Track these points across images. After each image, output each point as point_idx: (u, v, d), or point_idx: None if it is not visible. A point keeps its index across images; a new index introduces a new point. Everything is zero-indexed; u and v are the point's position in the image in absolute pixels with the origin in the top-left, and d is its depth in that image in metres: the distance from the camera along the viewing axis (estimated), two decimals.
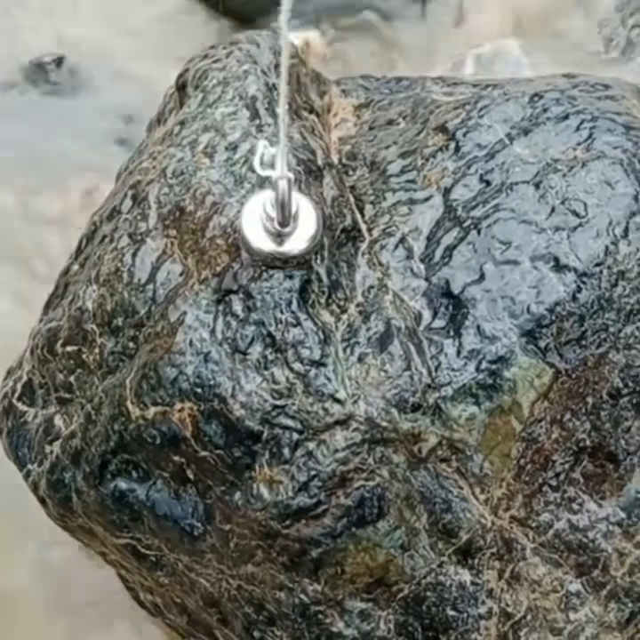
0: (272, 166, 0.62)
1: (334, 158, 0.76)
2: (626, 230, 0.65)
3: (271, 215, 0.64)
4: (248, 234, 0.65)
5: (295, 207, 0.64)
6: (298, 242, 0.65)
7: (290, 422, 0.63)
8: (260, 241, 0.65)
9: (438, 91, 0.82)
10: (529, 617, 0.64)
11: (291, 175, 0.62)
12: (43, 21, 1.08)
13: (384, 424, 0.63)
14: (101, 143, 1.05)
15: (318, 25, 1.10)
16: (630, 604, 0.65)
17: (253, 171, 0.64)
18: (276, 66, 0.77)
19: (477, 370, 0.64)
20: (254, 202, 0.66)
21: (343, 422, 0.63)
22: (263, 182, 0.66)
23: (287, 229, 0.65)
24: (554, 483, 0.64)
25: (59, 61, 1.04)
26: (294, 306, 0.65)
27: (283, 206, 0.63)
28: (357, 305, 0.67)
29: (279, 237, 0.65)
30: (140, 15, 1.08)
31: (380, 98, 0.83)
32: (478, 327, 0.64)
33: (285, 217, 0.64)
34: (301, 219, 0.65)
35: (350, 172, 0.76)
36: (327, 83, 0.85)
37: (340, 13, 1.10)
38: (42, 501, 0.74)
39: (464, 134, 0.73)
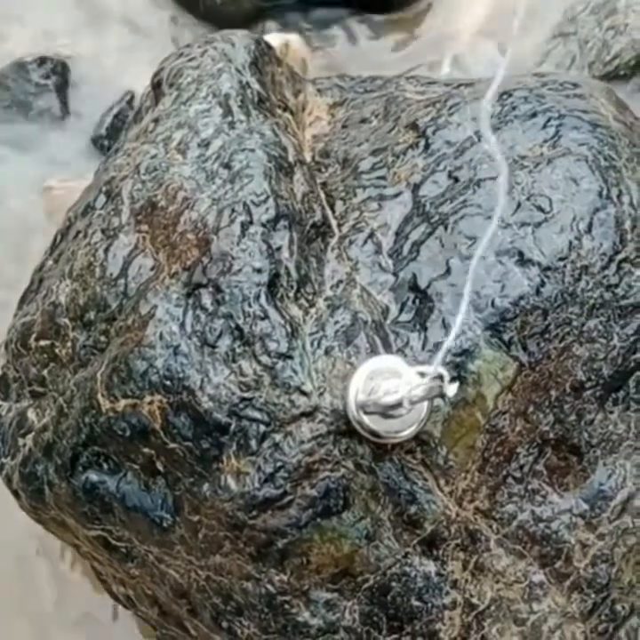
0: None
1: (308, 156, 0.77)
2: (590, 226, 0.66)
3: (381, 395, 0.60)
4: (352, 405, 0.62)
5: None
6: (404, 424, 0.62)
7: (257, 414, 0.64)
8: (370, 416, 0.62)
9: (412, 89, 0.83)
10: (493, 607, 0.65)
11: (445, 373, 0.58)
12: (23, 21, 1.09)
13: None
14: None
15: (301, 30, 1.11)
16: (593, 595, 0.65)
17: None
18: (251, 64, 0.78)
19: (442, 363, 0.64)
20: (366, 368, 0.63)
21: (309, 414, 0.63)
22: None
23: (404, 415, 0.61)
24: (518, 474, 0.65)
25: (40, 62, 1.05)
26: (262, 299, 0.66)
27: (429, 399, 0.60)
28: (326, 299, 0.68)
29: (387, 416, 0.62)
30: (119, 19, 1.09)
31: (355, 96, 0.84)
32: (443, 320, 0.65)
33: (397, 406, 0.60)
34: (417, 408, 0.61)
35: (323, 170, 0.77)
36: (302, 81, 0.86)
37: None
38: (15, 494, 0.75)
39: (434, 132, 0.74)
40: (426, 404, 0.61)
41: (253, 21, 1.12)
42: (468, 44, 1.05)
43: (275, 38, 1.01)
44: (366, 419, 0.61)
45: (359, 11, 1.12)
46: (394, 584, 0.64)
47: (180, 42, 1.06)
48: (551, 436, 0.65)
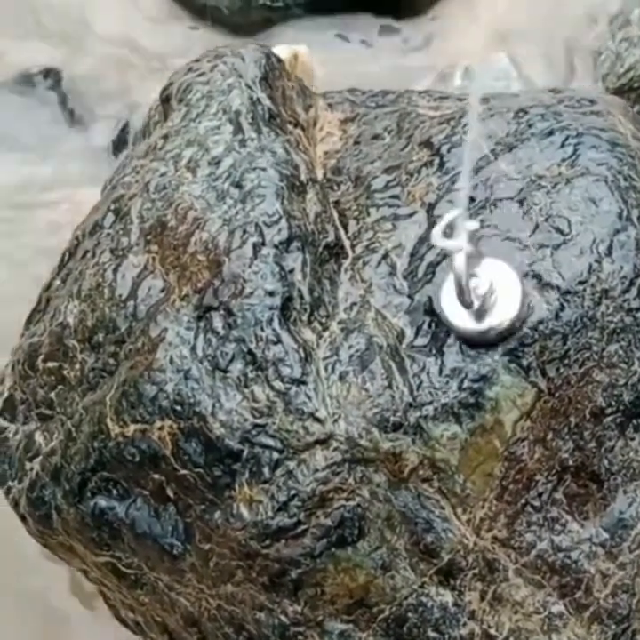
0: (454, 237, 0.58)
1: (319, 173, 0.76)
2: (610, 248, 0.65)
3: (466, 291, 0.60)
4: (448, 311, 0.62)
5: (487, 279, 0.60)
6: (497, 318, 0.62)
7: (270, 441, 0.63)
8: (459, 317, 0.62)
9: (424, 105, 0.81)
10: (511, 639, 0.64)
11: (468, 247, 0.58)
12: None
13: (365, 443, 0.62)
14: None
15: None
16: (613, 626, 0.64)
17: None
18: (262, 79, 0.77)
19: (459, 389, 0.63)
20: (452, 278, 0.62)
21: (323, 441, 0.62)
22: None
23: (484, 305, 0.61)
24: (536, 503, 0.64)
25: (46, 73, 1.04)
26: (275, 323, 0.64)
27: (459, 282, 0.59)
28: (339, 322, 0.66)
29: (478, 313, 0.61)
30: (126, 30, 1.08)
31: (366, 112, 0.82)
32: (460, 345, 0.64)
33: (462, 293, 0.60)
34: (502, 290, 0.62)
35: (335, 187, 0.75)
36: (313, 96, 0.85)
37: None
38: (22, 519, 0.74)
39: (448, 150, 0.72)
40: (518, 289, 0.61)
41: (262, 30, 1.11)
42: (479, 55, 1.03)
43: (283, 50, 1.00)
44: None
45: (368, 19, 1.11)
46: (410, 615, 0.63)
47: (188, 52, 1.05)
48: (570, 463, 0.64)
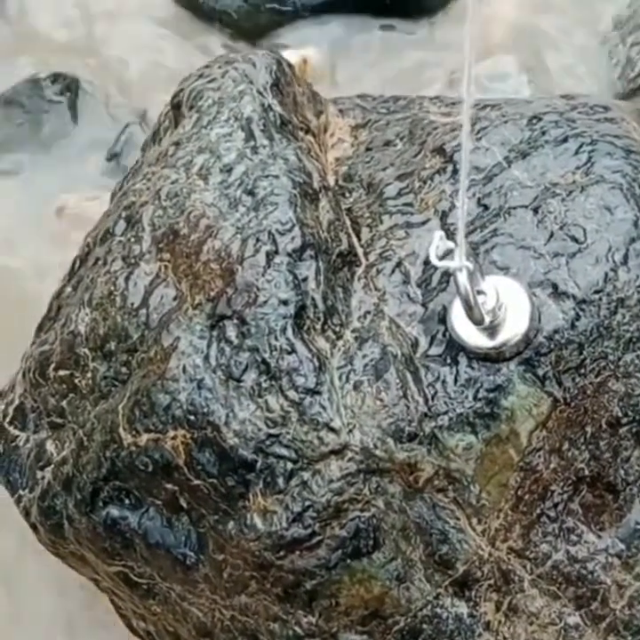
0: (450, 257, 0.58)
1: (331, 180, 0.76)
2: (625, 257, 0.64)
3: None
4: (459, 330, 0.62)
5: (493, 293, 0.60)
6: (509, 332, 0.61)
7: (284, 451, 0.62)
8: (471, 335, 0.62)
9: (436, 111, 0.81)
10: None
11: (470, 265, 0.58)
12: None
13: (380, 454, 0.62)
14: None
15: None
16: (629, 638, 0.64)
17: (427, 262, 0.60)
18: (273, 85, 0.77)
19: (475, 398, 0.63)
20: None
21: (338, 452, 0.62)
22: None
23: (495, 321, 0.61)
24: (552, 513, 0.63)
25: (54, 78, 1.04)
26: (289, 332, 0.64)
27: (466, 300, 0.59)
28: (353, 331, 0.66)
29: (490, 330, 0.61)
30: (134, 35, 1.08)
31: (378, 118, 0.82)
32: None
33: (471, 310, 0.60)
34: (511, 304, 0.62)
35: (347, 194, 0.75)
36: (324, 102, 0.84)
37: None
38: (33, 527, 0.73)
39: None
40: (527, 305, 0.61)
41: (270, 33, 1.10)
42: (488, 61, 1.03)
43: (292, 55, 0.99)
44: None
45: (376, 21, 1.11)
46: (425, 626, 0.63)
47: (196, 57, 1.04)
48: (586, 473, 0.63)
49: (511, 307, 0.62)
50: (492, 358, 0.62)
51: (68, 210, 1.00)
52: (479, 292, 0.60)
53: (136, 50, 1.08)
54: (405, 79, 1.05)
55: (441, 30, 1.07)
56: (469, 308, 0.60)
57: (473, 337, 0.62)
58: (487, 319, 0.61)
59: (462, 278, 0.59)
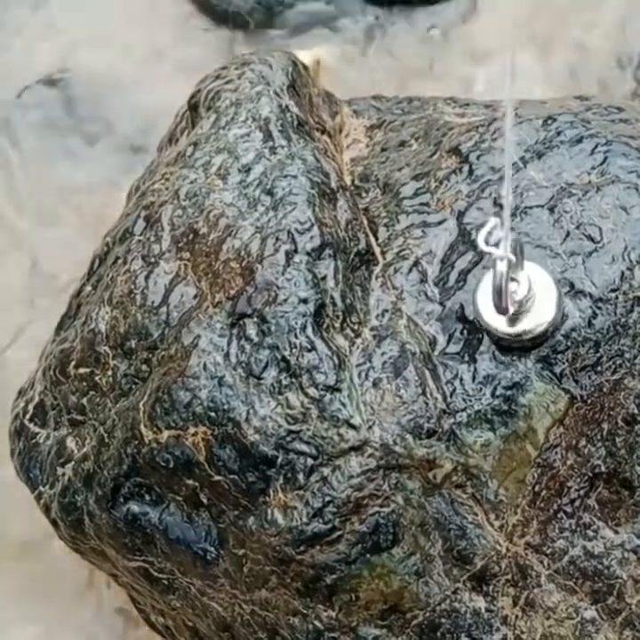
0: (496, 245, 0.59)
1: (347, 180, 0.76)
2: None
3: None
4: (483, 311, 0.63)
5: (526, 285, 0.61)
6: (531, 323, 0.63)
7: (304, 447, 0.63)
8: (494, 318, 0.63)
9: (450, 111, 0.82)
10: None
11: (511, 257, 0.59)
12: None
13: (399, 450, 0.63)
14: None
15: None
16: None
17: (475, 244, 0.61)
18: (289, 86, 0.78)
19: (493, 395, 0.63)
20: (489, 278, 0.63)
21: (358, 448, 0.63)
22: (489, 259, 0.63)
23: (521, 309, 0.62)
24: (569, 509, 0.64)
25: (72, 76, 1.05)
26: (309, 330, 0.65)
27: (500, 290, 0.60)
28: (371, 329, 0.67)
29: (513, 317, 0.62)
30: (147, 31, 1.09)
31: (392, 118, 0.83)
32: (493, 352, 0.64)
33: (502, 300, 0.61)
34: (539, 295, 0.63)
35: (363, 194, 0.76)
36: (339, 103, 0.85)
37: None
38: (54, 523, 0.74)
39: (477, 157, 0.72)
40: (554, 298, 0.62)
41: (285, 34, 1.11)
42: (501, 59, 1.03)
43: (306, 55, 1.00)
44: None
45: (389, 20, 1.11)
46: (443, 620, 0.63)
47: (210, 58, 1.05)
48: (603, 469, 0.64)
49: (539, 297, 0.63)
50: (509, 346, 0.63)
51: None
52: (513, 279, 0.61)
53: (149, 50, 1.08)
54: (417, 81, 1.06)
55: (455, 33, 1.08)
56: (499, 297, 0.61)
57: (495, 321, 0.63)
58: (512, 309, 0.62)
59: (502, 267, 0.59)
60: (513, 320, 0.63)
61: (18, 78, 1.07)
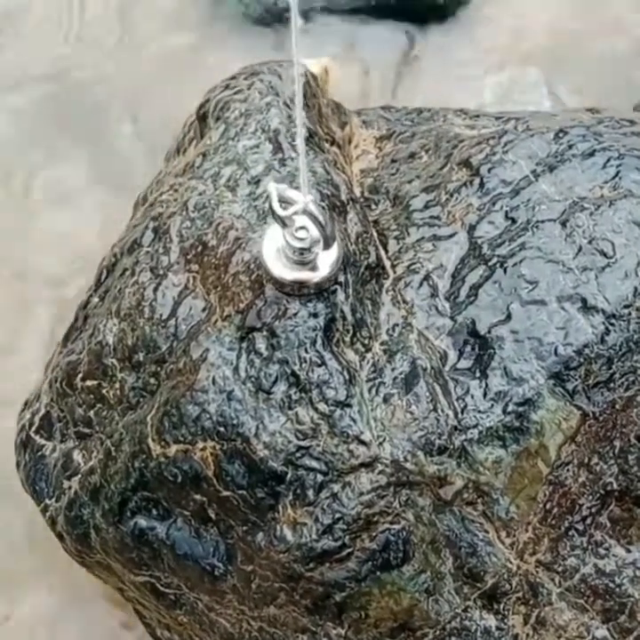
0: (287, 203, 0.62)
1: (356, 191, 0.76)
2: None
3: (293, 244, 0.63)
4: (269, 264, 0.65)
5: (317, 234, 0.64)
6: (320, 269, 0.65)
7: (314, 463, 0.63)
8: (282, 270, 0.65)
9: (460, 123, 0.81)
10: None
11: (311, 197, 0.62)
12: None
13: (410, 467, 0.62)
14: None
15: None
16: None
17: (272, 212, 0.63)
18: None
19: (504, 412, 0.63)
20: (272, 234, 0.65)
21: (368, 464, 0.62)
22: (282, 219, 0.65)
23: (309, 257, 0.64)
24: (580, 527, 0.64)
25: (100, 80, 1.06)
26: (319, 344, 0.64)
27: (323, 226, 0.62)
28: (382, 343, 0.66)
29: (302, 265, 0.64)
30: (161, 35, 1.09)
31: (402, 130, 0.82)
32: (505, 368, 0.64)
33: (327, 237, 0.63)
34: (321, 252, 0.65)
35: (373, 206, 0.75)
36: (348, 113, 0.85)
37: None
38: (59, 537, 0.73)
39: (488, 170, 0.72)
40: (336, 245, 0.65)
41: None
42: (509, 70, 1.03)
43: (313, 65, 1.00)
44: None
45: (396, 28, 1.11)
46: (454, 638, 0.63)
47: (221, 63, 1.04)
48: (615, 487, 0.64)
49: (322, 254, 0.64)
50: (299, 291, 0.65)
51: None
52: (302, 228, 0.63)
53: (162, 54, 1.08)
54: (425, 91, 1.06)
55: (463, 44, 1.07)
56: (325, 235, 0.62)
57: (281, 270, 0.64)
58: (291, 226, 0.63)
59: (314, 208, 0.61)
60: (300, 270, 0.64)
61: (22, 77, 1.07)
